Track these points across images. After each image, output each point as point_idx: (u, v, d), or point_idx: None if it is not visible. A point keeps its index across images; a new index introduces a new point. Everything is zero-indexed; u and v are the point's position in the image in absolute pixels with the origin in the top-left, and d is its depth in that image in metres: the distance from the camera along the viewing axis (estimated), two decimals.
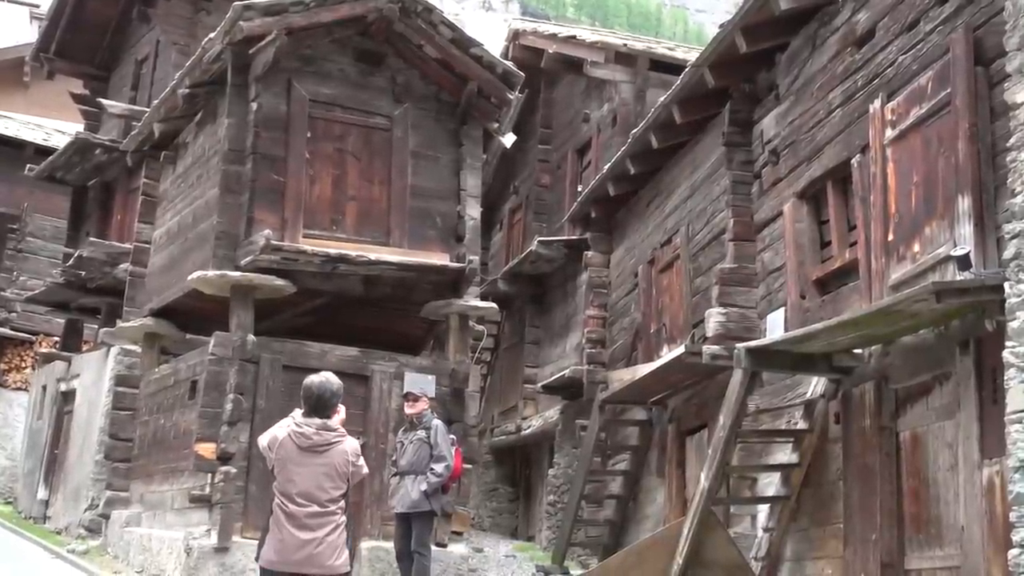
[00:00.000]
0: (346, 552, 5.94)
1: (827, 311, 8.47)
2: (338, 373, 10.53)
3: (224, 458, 10.12)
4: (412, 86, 11.55)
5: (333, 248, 10.65)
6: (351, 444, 6.05)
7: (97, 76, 19.36)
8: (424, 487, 9.04)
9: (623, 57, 14.81)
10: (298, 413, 6.03)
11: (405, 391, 9.82)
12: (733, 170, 10.29)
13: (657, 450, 11.83)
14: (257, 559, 6.09)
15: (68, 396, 16.20)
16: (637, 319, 12.71)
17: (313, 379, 6.14)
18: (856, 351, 8.00)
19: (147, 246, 13.33)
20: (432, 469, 9.07)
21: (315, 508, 5.84)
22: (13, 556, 12.27)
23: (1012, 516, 5.74)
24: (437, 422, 9.29)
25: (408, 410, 9.44)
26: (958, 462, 6.81)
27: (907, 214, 7.58)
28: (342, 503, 5.94)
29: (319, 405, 5.99)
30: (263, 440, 6.03)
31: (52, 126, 21.69)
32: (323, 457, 5.90)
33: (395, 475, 9.47)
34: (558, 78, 17.21)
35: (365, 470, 6.18)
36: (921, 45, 7.66)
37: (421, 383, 10.92)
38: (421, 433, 9.23)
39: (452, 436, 9.52)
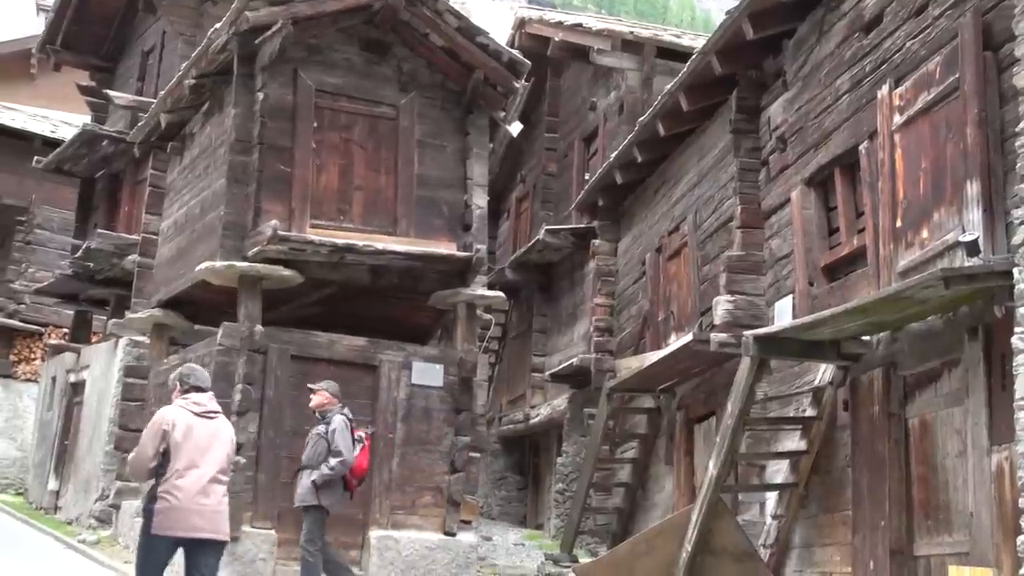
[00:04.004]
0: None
1: (835, 298, 8.45)
2: (346, 363, 10.75)
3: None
4: (418, 75, 11.53)
5: (340, 238, 10.65)
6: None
7: (103, 67, 19.36)
8: (315, 478, 8.89)
9: (630, 45, 14.77)
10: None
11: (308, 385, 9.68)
12: (740, 157, 10.27)
13: (665, 438, 11.83)
14: (149, 530, 6.47)
15: (78, 387, 16.25)
16: (645, 307, 12.70)
17: (194, 366, 7.24)
18: (864, 338, 7.99)
19: (155, 237, 13.35)
20: (326, 463, 8.91)
21: (215, 474, 6.55)
22: (24, 547, 12.33)
23: (1021, 502, 5.74)
24: (339, 417, 9.05)
25: (311, 404, 9.36)
26: (967, 448, 6.80)
27: (915, 200, 7.55)
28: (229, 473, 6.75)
29: (206, 384, 6.86)
30: (155, 425, 6.59)
31: (59, 118, 21.70)
32: (215, 424, 6.72)
33: (298, 470, 9.34)
34: (564, 66, 17.18)
35: None
36: (929, 30, 7.63)
37: (428, 373, 10.93)
38: (320, 428, 9.08)
39: (361, 433, 9.22)
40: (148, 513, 6.50)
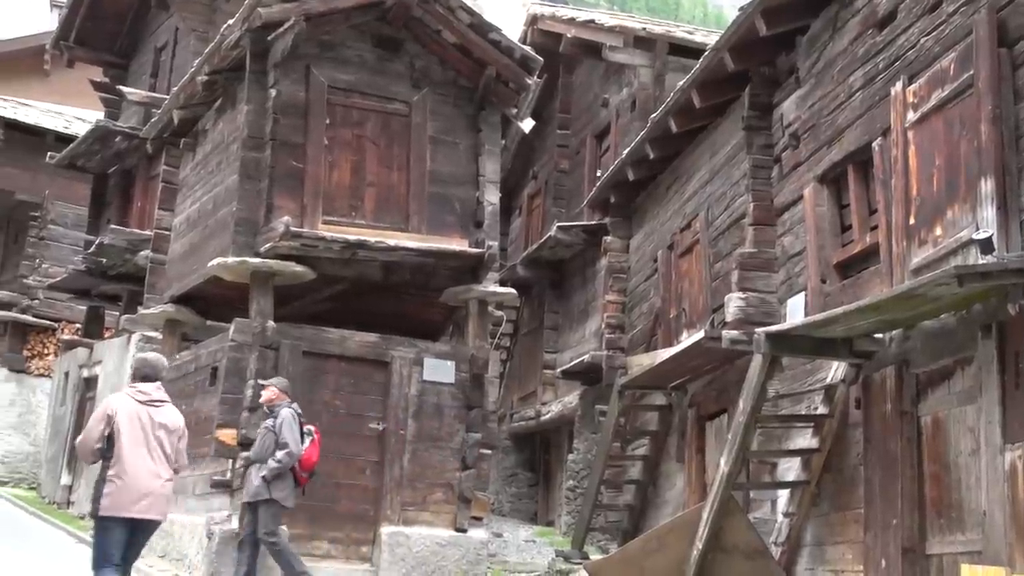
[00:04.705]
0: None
1: (848, 295, 8.42)
2: (358, 359, 10.77)
3: (245, 444, 10.16)
4: (430, 72, 11.54)
5: (352, 234, 10.67)
6: (176, 409, 7.44)
7: (117, 64, 19.45)
8: (264, 473, 9.02)
9: (642, 41, 14.75)
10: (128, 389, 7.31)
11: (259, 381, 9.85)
12: (753, 154, 10.23)
13: (677, 435, 11.82)
14: (96, 512, 6.99)
15: (90, 382, 16.32)
16: (656, 304, 12.68)
17: (148, 355, 7.69)
18: (877, 335, 7.96)
19: (167, 233, 13.39)
20: (273, 456, 9.04)
21: (159, 459, 7.06)
22: (37, 541, 12.38)
23: None
24: (286, 411, 9.19)
25: (260, 399, 9.54)
26: (980, 446, 6.78)
27: (929, 197, 7.52)
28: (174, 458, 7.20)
29: (154, 374, 7.33)
30: (101, 411, 7.10)
31: (72, 114, 21.80)
32: (160, 411, 7.19)
33: (247, 465, 9.47)
34: (577, 63, 17.16)
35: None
36: (943, 26, 7.59)
37: (440, 369, 10.94)
38: (269, 422, 9.23)
39: (310, 427, 9.33)
40: (97, 495, 7.01)
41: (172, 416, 7.30)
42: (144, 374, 7.32)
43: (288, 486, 9.14)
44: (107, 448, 7.01)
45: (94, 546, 7.12)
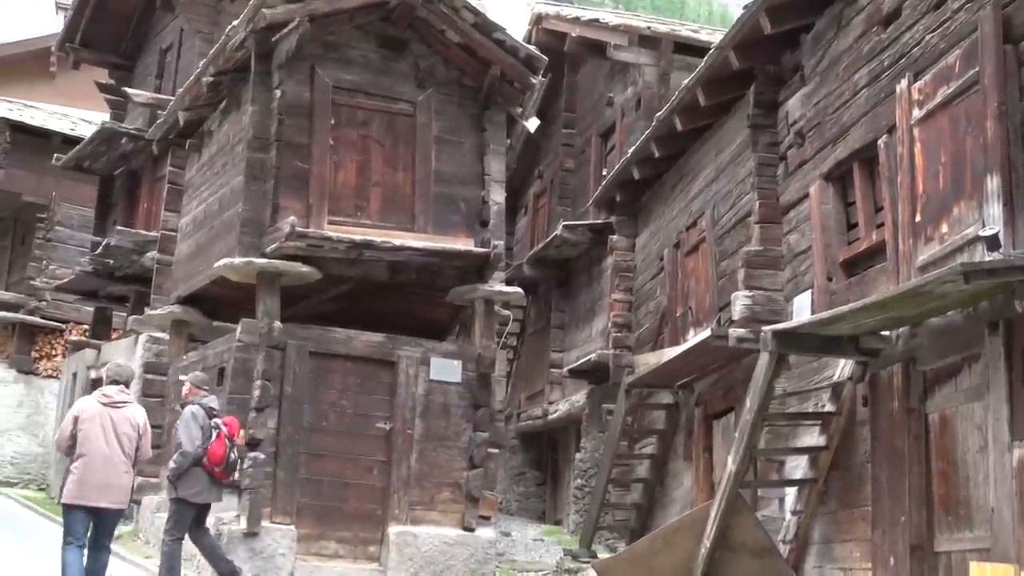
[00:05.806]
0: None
1: (854, 293, 8.42)
2: (364, 359, 10.79)
3: (252, 444, 10.19)
4: (435, 71, 11.54)
5: (358, 234, 10.68)
6: (140, 407, 8.48)
7: (122, 65, 19.48)
8: (168, 473, 9.04)
9: (647, 40, 14.74)
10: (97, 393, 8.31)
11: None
12: (758, 152, 10.23)
13: (684, 434, 11.82)
14: (61, 499, 7.96)
15: (98, 384, 16.29)
16: (663, 303, 12.68)
17: (118, 362, 8.97)
18: (884, 333, 7.95)
19: (173, 234, 13.42)
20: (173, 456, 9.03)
21: (119, 453, 8.03)
22: (46, 541, 12.41)
23: None
24: (187, 409, 9.04)
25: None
26: (988, 443, 6.77)
27: (935, 194, 7.51)
28: (133, 453, 8.18)
29: (121, 379, 8.40)
30: (71, 413, 8.16)
31: (78, 115, 21.82)
32: (122, 412, 8.18)
33: None
34: (581, 62, 17.15)
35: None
36: (948, 23, 7.58)
37: (446, 369, 10.95)
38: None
39: (215, 421, 9.04)
40: (63, 485, 8.02)
41: (133, 415, 8.25)
42: (112, 379, 8.38)
43: (199, 483, 8.94)
44: (75, 445, 8.05)
45: (63, 527, 8.19)
